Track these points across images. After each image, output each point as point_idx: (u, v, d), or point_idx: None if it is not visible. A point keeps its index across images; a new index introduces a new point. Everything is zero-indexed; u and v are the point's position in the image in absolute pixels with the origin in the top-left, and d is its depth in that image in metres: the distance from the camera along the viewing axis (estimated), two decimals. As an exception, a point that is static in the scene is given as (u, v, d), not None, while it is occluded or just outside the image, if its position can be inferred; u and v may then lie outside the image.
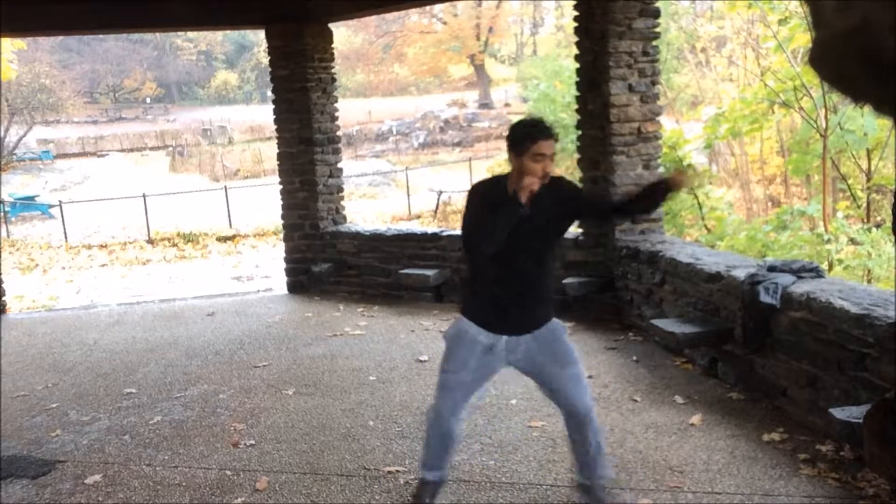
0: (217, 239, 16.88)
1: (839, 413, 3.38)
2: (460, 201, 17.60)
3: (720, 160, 19.61)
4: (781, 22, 10.40)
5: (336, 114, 8.17)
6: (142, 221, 18.23)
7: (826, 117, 9.76)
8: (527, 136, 2.90)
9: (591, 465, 3.19)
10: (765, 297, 4.09)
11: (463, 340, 3.09)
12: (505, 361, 3.11)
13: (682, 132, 11.38)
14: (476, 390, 3.22)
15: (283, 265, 8.44)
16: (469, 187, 3.13)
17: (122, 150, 41.36)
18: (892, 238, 5.75)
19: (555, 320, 3.17)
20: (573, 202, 3.13)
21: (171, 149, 40.00)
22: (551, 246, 3.13)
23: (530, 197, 2.85)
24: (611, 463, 3.69)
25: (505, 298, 3.05)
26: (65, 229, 18.62)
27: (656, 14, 5.95)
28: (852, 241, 9.33)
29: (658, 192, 3.17)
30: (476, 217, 2.95)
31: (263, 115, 31.88)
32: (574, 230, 6.92)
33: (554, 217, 3.02)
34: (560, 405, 3.16)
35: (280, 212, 8.38)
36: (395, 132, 39.97)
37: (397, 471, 3.75)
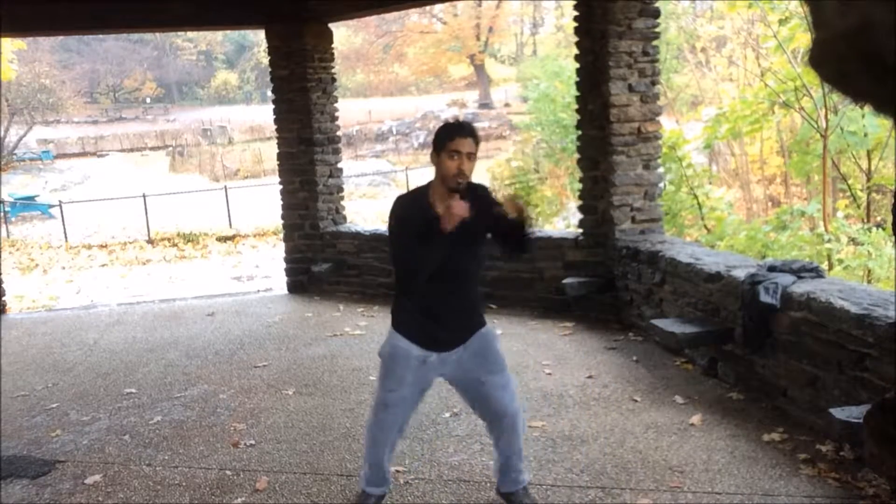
0: (217, 239, 16.88)
1: (839, 413, 3.38)
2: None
3: (720, 160, 19.61)
4: (781, 22, 10.40)
5: (336, 114, 8.17)
6: (142, 221, 18.23)
7: (826, 117, 9.76)
8: (445, 133, 2.95)
9: (514, 471, 3.24)
10: (765, 297, 4.09)
11: (397, 357, 3.10)
12: (437, 374, 3.15)
13: (682, 132, 11.39)
14: (416, 403, 3.25)
15: (283, 265, 8.44)
16: (394, 202, 3.06)
17: (122, 150, 41.37)
18: (893, 238, 5.75)
19: (486, 328, 3.16)
20: (490, 216, 2.95)
21: (171, 149, 40.02)
22: (480, 259, 3.10)
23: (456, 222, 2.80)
24: (609, 463, 3.70)
25: (435, 314, 3.03)
26: (65, 229, 18.62)
27: (656, 14, 5.95)
28: (852, 241, 9.33)
29: (514, 229, 3.03)
30: (403, 242, 2.91)
31: (263, 115, 31.90)
32: (574, 230, 6.93)
33: (479, 230, 2.98)
34: (485, 412, 3.20)
35: (280, 212, 8.38)
36: (395, 132, 39.99)
37: (397, 471, 3.75)
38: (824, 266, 8.02)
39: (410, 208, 2.97)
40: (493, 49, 50.88)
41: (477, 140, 2.97)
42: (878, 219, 11.41)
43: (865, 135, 9.23)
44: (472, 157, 2.93)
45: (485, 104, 43.22)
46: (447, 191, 2.92)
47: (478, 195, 2.98)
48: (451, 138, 2.91)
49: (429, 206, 2.95)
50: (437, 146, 2.95)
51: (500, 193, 3.17)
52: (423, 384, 3.18)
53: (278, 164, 8.30)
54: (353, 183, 24.28)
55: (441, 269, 2.92)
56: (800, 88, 10.17)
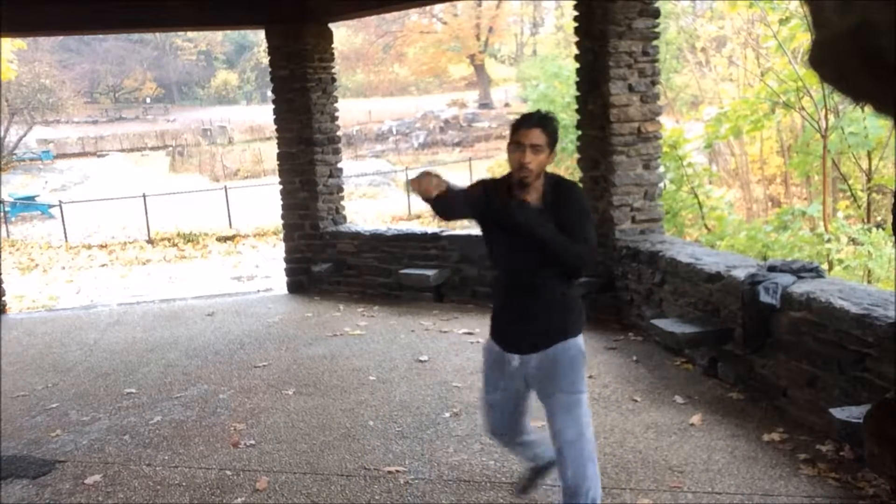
0: (217, 239, 16.88)
1: (839, 413, 3.38)
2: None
3: (720, 160, 19.60)
4: (782, 22, 10.40)
5: (336, 114, 8.17)
6: (142, 221, 18.23)
7: (826, 118, 9.76)
8: (514, 123, 2.79)
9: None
10: (765, 297, 4.09)
11: (484, 353, 2.99)
12: (522, 377, 2.86)
13: (682, 131, 11.38)
14: (515, 408, 2.96)
15: (283, 265, 8.44)
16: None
17: (122, 150, 41.34)
18: (893, 238, 5.75)
19: (571, 341, 2.80)
20: (558, 217, 2.73)
21: (171, 149, 40.01)
22: (551, 262, 2.76)
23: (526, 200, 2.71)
24: (609, 463, 3.69)
25: (506, 312, 2.87)
26: (65, 229, 18.62)
27: (656, 14, 5.95)
28: (852, 241, 9.33)
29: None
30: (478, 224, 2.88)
31: (263, 115, 31.89)
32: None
33: (554, 223, 2.71)
34: (549, 430, 2.87)
35: (280, 212, 8.38)
36: (395, 132, 39.97)
37: (397, 471, 3.75)
38: (824, 266, 8.01)
39: (485, 190, 2.86)
40: (493, 49, 50.87)
41: (548, 130, 2.73)
42: (878, 219, 11.41)
43: (866, 136, 9.23)
44: (537, 149, 2.69)
45: (485, 104, 43.20)
46: (516, 184, 2.75)
47: (559, 192, 2.78)
48: (517, 129, 2.73)
49: (503, 191, 2.80)
50: (510, 137, 2.79)
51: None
52: (515, 386, 2.89)
53: (278, 164, 8.31)
54: (353, 183, 24.26)
55: (509, 265, 2.82)
56: (800, 89, 10.17)
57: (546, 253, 2.71)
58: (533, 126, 2.72)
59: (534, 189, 2.76)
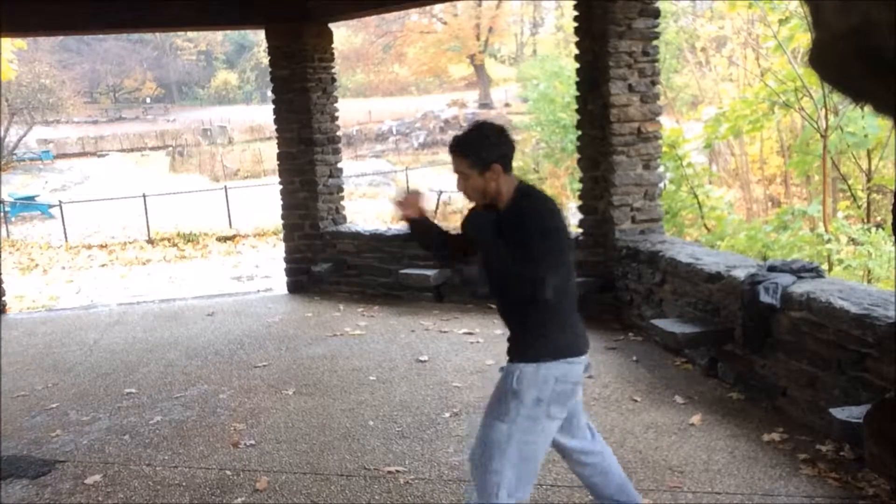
0: (217, 239, 16.87)
1: (839, 413, 3.38)
2: (460, 201, 17.59)
3: (720, 160, 19.60)
4: (782, 22, 10.39)
5: (336, 114, 8.17)
6: (142, 221, 18.23)
7: (826, 118, 9.76)
8: None
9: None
10: (765, 297, 4.09)
11: None
12: None
13: (682, 131, 11.38)
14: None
15: (283, 265, 8.44)
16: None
17: (122, 150, 41.36)
18: (893, 238, 5.75)
19: (514, 366, 2.65)
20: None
21: (171, 149, 40.02)
22: (508, 279, 2.62)
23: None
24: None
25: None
26: (65, 229, 18.62)
27: (656, 14, 5.95)
28: (852, 241, 9.33)
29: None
30: None
31: (263, 115, 31.87)
32: (574, 230, 6.93)
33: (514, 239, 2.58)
34: None
35: (280, 212, 8.38)
36: (395, 132, 39.97)
37: (397, 471, 3.75)
38: (824, 266, 8.01)
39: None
40: (493, 49, 50.88)
41: (466, 153, 2.61)
42: (878, 219, 11.41)
43: (866, 135, 9.22)
44: (463, 175, 2.62)
45: (485, 104, 43.20)
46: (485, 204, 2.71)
47: (522, 207, 2.62)
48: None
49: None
50: None
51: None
52: None
53: (278, 164, 8.30)
54: (353, 183, 24.27)
55: (488, 276, 2.72)
56: (800, 89, 10.17)
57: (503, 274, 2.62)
58: (452, 153, 2.66)
59: (502, 204, 2.65)
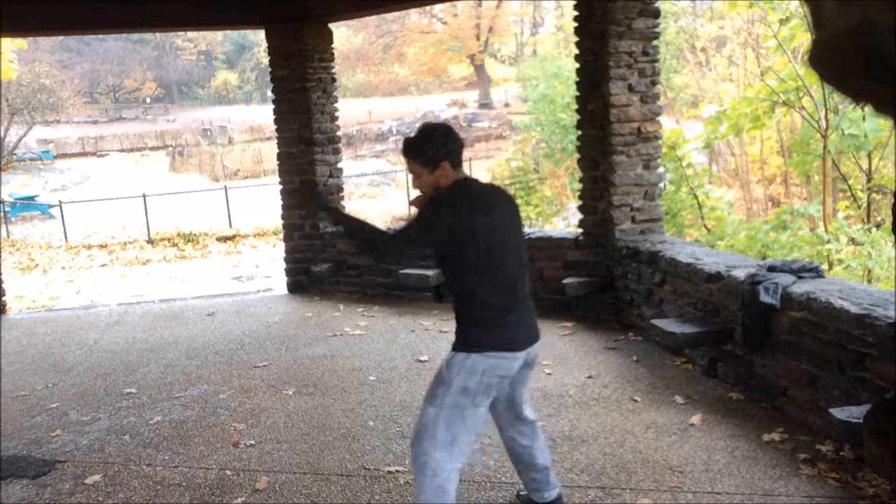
0: (217, 239, 16.87)
1: (839, 413, 3.38)
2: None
3: (720, 160, 19.60)
4: (782, 22, 10.39)
5: (336, 114, 8.17)
6: (142, 221, 18.23)
7: (826, 117, 9.76)
8: None
9: None
10: (765, 297, 4.09)
11: None
12: None
13: (682, 132, 11.38)
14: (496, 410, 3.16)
15: (283, 265, 8.44)
16: (504, 190, 3.22)
17: (122, 150, 41.38)
18: (893, 238, 5.75)
19: (451, 353, 2.88)
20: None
21: (171, 149, 40.03)
22: (448, 267, 2.93)
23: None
24: (609, 463, 3.69)
25: None
26: (65, 229, 18.62)
27: (656, 14, 5.95)
28: (852, 241, 9.33)
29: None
30: None
31: (263, 115, 31.89)
32: (574, 230, 6.93)
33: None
34: None
35: (280, 212, 8.38)
36: (395, 132, 39.95)
37: (397, 471, 3.75)
38: (824, 266, 8.01)
39: None
40: (493, 49, 50.86)
41: (414, 155, 2.89)
42: (878, 219, 11.40)
43: (866, 136, 9.22)
44: (416, 173, 2.90)
45: (485, 104, 43.21)
46: None
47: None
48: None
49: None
50: None
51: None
52: None
53: (278, 164, 8.30)
54: (353, 183, 24.28)
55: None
56: (800, 88, 10.17)
57: (443, 265, 2.95)
58: (404, 156, 2.92)
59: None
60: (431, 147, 2.87)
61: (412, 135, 2.94)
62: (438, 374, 2.88)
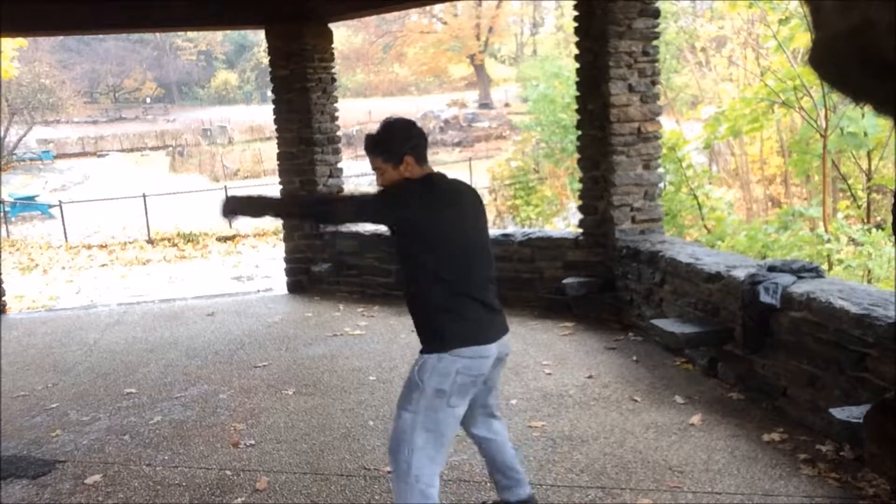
0: (217, 239, 16.87)
1: (839, 413, 3.38)
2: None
3: (720, 160, 19.60)
4: (782, 22, 10.39)
5: (336, 114, 8.17)
6: (142, 221, 18.22)
7: (826, 117, 9.76)
8: None
9: None
10: (765, 297, 4.09)
11: None
12: None
13: (682, 133, 11.38)
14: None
15: (283, 265, 8.44)
16: (470, 187, 3.10)
17: (122, 150, 41.40)
18: (893, 238, 5.75)
19: (420, 356, 2.80)
20: None
21: (171, 149, 40.05)
22: (404, 261, 2.86)
23: None
24: (609, 463, 3.69)
25: None
26: (65, 229, 18.61)
27: (656, 14, 5.95)
28: (852, 241, 9.33)
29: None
30: None
31: (263, 115, 31.89)
32: (574, 230, 6.93)
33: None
34: None
35: (280, 212, 8.36)
36: (395, 132, 39.90)
37: (397, 471, 3.75)
38: (824, 266, 8.01)
39: None
40: (493, 49, 50.89)
41: (377, 153, 2.83)
42: (878, 219, 11.41)
43: (865, 135, 9.22)
44: (379, 170, 2.85)
45: (485, 104, 43.23)
46: None
47: None
48: None
49: None
50: None
51: None
52: None
53: (278, 164, 8.30)
54: (353, 183, 24.25)
55: None
56: (799, 88, 10.17)
57: (400, 259, 2.87)
58: (367, 152, 2.87)
59: None
60: (395, 142, 2.81)
61: (375, 131, 2.88)
62: (411, 378, 2.79)
